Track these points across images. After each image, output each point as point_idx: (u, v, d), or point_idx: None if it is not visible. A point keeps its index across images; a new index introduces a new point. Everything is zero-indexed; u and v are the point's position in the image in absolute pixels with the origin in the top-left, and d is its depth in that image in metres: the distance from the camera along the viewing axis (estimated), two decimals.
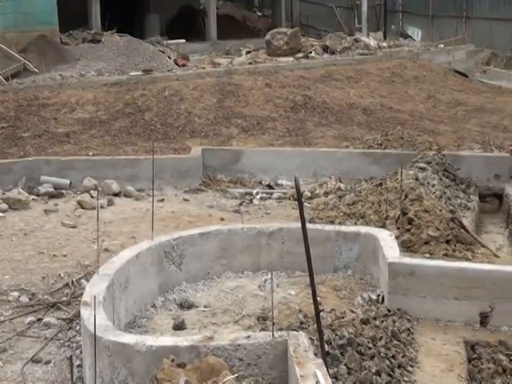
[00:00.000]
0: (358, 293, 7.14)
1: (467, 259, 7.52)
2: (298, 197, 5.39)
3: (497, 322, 6.47)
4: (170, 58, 17.50)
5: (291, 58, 17.41)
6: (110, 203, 9.82)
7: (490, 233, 9.55)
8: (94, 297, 5.47)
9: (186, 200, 10.20)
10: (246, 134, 12.89)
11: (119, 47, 17.20)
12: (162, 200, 10.00)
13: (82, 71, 15.50)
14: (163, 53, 17.75)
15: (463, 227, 8.38)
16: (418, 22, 26.00)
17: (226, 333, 5.98)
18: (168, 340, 5.33)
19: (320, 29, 25.89)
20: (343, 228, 7.98)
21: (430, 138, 12.16)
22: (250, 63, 16.82)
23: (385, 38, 21.93)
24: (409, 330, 6.38)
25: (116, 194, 10.19)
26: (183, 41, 21.12)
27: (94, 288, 5.93)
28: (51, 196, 10.06)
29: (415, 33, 25.67)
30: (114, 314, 6.08)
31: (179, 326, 6.40)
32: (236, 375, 4.94)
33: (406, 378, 5.67)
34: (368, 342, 5.87)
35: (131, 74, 15.16)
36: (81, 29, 19.12)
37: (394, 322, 6.37)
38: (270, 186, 10.94)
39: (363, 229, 7.89)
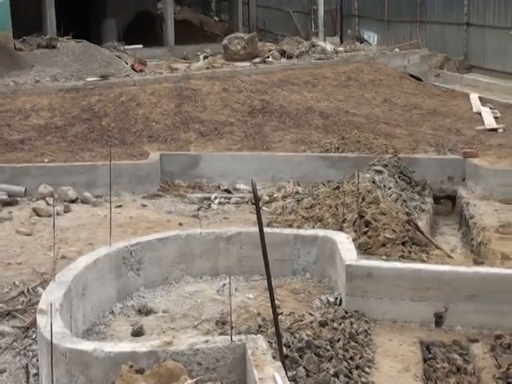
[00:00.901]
0: (316, 296, 7.20)
1: (422, 261, 7.62)
2: (255, 201, 5.42)
3: (451, 321, 6.58)
4: (127, 63, 17.42)
5: (248, 63, 17.45)
6: (67, 210, 9.75)
7: (444, 234, 9.70)
8: (51, 304, 5.43)
9: (144, 206, 10.17)
10: (204, 139, 12.90)
11: (75, 52, 17.08)
12: (120, 206, 9.97)
13: (36, 77, 15.35)
14: (120, 58, 17.67)
15: (418, 229, 8.49)
16: (373, 26, 26.26)
17: (185, 338, 5.98)
18: (126, 346, 5.32)
19: (277, 33, 26.00)
20: (301, 231, 8.04)
21: (386, 141, 12.29)
22: (208, 68, 16.83)
23: (341, 42, 22.10)
24: (366, 331, 6.45)
25: (73, 201, 10.12)
26: (140, 46, 21.05)
27: (51, 295, 5.89)
28: (5, 204, 9.94)
29: (371, 37, 25.92)
30: (72, 321, 6.05)
31: (138, 332, 6.39)
32: (195, 380, 4.96)
33: (363, 379, 5.73)
34: (326, 344, 5.93)
35: (88, 79, 15.08)
36: (35, 34, 18.93)
37: (351, 323, 6.43)
38: (228, 191, 10.96)
39: (321, 232, 7.95)
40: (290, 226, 8.74)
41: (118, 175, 10.09)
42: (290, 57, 18.09)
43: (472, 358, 6.03)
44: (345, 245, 7.34)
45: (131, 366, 5.00)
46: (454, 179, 10.89)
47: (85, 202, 10.15)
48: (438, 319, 6.58)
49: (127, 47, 20.27)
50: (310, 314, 6.68)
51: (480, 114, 14.87)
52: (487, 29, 20.27)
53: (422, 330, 6.54)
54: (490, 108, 15.30)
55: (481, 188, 10.39)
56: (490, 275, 6.63)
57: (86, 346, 5.23)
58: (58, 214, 9.26)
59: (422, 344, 6.28)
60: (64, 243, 8.20)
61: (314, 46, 18.81)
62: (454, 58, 21.18)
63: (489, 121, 14.21)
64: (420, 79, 17.96)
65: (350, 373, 5.72)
